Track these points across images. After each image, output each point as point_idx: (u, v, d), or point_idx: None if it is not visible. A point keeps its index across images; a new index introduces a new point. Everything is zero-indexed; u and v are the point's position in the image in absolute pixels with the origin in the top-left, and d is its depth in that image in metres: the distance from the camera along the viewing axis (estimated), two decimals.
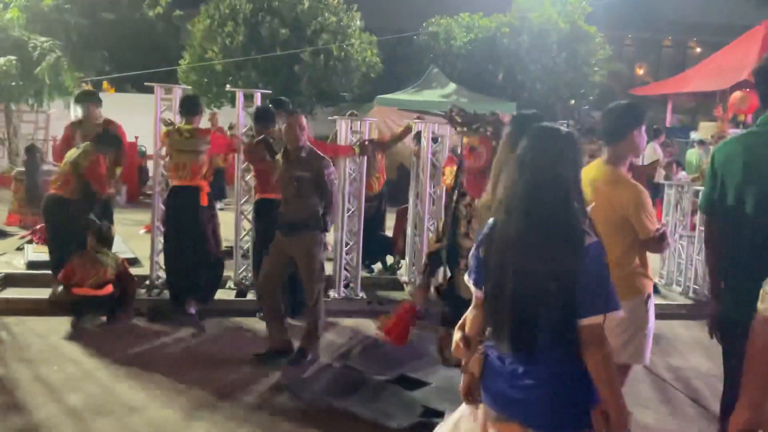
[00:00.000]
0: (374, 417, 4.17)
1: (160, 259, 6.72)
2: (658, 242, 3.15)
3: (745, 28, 21.55)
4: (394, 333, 4.35)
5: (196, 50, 15.53)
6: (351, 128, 6.45)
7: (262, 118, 5.97)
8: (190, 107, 5.92)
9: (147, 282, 6.65)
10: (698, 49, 32.26)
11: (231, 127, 10.65)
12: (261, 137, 5.89)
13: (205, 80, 15.18)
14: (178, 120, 6.29)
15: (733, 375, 2.76)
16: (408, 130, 7.27)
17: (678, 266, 7.78)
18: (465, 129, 4.05)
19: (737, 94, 14.98)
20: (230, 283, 6.74)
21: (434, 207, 6.66)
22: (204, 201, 5.93)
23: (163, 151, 6.29)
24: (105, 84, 18.62)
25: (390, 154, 9.53)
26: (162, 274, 6.65)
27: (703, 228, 3.08)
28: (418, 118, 7.16)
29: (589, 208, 3.55)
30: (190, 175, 5.84)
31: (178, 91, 6.46)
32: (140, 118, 8.67)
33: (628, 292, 3.17)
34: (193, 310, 5.96)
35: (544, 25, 16.06)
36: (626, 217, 3.17)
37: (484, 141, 3.92)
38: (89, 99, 7.09)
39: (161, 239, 6.60)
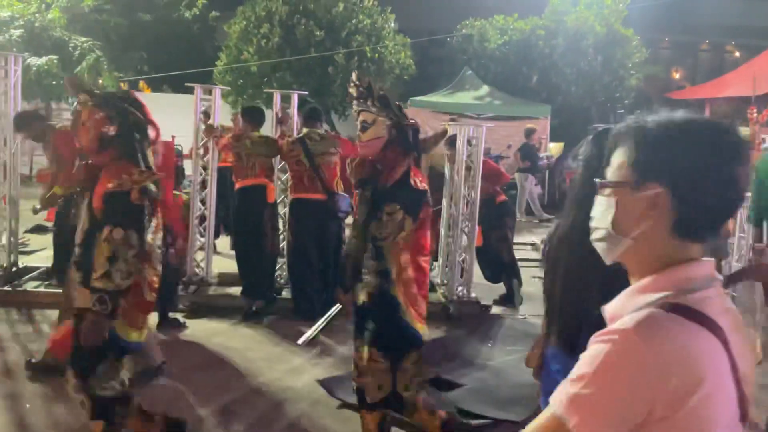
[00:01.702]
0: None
1: (197, 256, 6.84)
2: None
3: None
4: (59, 345, 4.04)
5: (232, 51, 15.72)
6: None
7: (311, 117, 6.12)
8: (258, 117, 6.22)
9: (184, 279, 6.75)
10: (736, 53, 31.71)
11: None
12: (299, 137, 5.99)
13: (240, 81, 15.37)
14: (217, 120, 6.45)
15: None
16: (444, 132, 7.28)
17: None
18: (359, 102, 3.57)
19: None
20: None
21: (468, 210, 6.66)
22: (271, 198, 6.18)
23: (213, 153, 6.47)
24: (141, 84, 18.93)
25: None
26: (199, 270, 6.77)
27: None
28: (452, 120, 7.17)
29: None
30: (256, 174, 6.05)
31: (217, 92, 6.57)
32: (177, 118, 8.82)
33: None
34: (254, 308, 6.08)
35: (579, 28, 15.94)
36: None
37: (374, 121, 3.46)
38: None
39: (199, 237, 6.73)
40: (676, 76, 31.12)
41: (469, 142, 6.50)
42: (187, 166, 10.21)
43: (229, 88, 7.83)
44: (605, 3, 16.53)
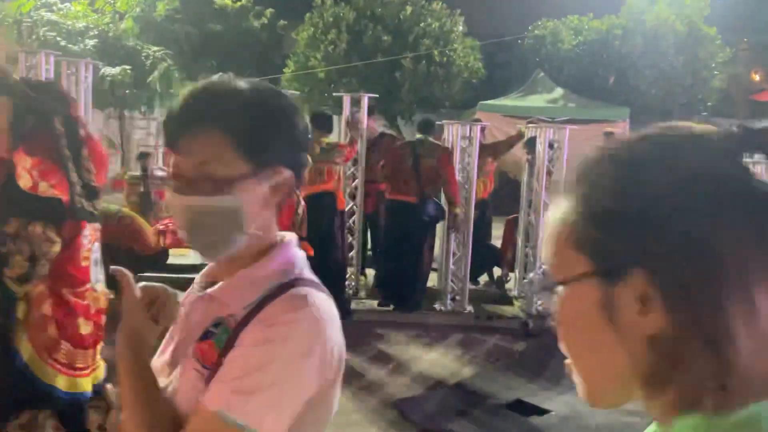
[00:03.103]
0: None
1: None
2: None
3: None
4: None
5: (299, 58, 15.69)
6: (461, 133, 6.15)
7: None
8: (326, 123, 6.05)
9: None
10: None
11: None
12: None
13: (308, 88, 15.29)
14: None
15: None
16: (519, 135, 6.90)
17: None
18: None
19: None
20: None
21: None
22: (341, 205, 6.03)
23: None
24: None
25: None
26: None
27: None
28: (531, 122, 6.77)
29: None
30: (324, 181, 5.87)
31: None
32: None
33: None
34: None
35: (659, 27, 15.19)
36: None
37: None
38: None
39: None
40: (756, 77, 29.62)
41: (550, 146, 6.09)
42: None
43: (298, 93, 7.63)
44: (686, 1, 15.71)
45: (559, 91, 14.75)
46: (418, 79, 14.91)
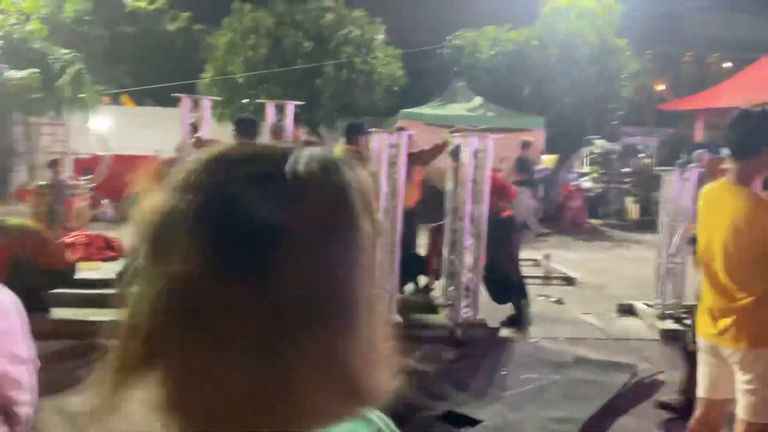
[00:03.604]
0: None
1: None
2: None
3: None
4: None
5: (218, 63, 15.33)
6: (388, 142, 6.09)
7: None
8: (251, 129, 5.86)
9: None
10: (722, 65, 31.82)
11: None
12: None
13: (227, 94, 14.96)
14: (206, 133, 6.04)
15: None
16: (444, 145, 6.92)
17: None
18: None
19: (750, 106, 14.49)
20: None
21: (474, 227, 6.27)
22: None
23: None
24: (123, 98, 18.49)
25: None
26: None
27: None
28: (456, 131, 6.79)
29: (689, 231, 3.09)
30: None
31: (206, 103, 6.16)
32: (161, 131, 8.40)
33: None
34: None
35: (573, 38, 15.69)
36: None
37: None
38: None
39: None
40: (660, 87, 31.13)
41: (475, 154, 6.12)
42: None
43: (219, 98, 7.41)
44: (597, 13, 16.30)
45: (478, 100, 15.02)
46: (339, 87, 14.86)
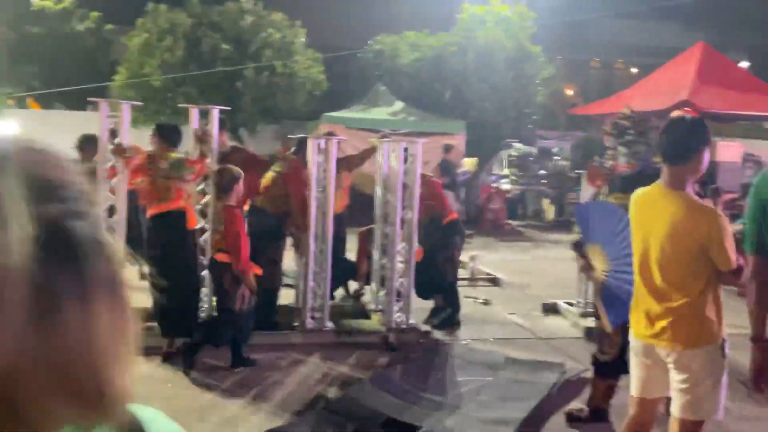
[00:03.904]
0: None
1: None
2: (736, 274, 2.83)
3: (671, 50, 22.23)
4: None
5: (132, 65, 14.78)
6: (318, 147, 6.04)
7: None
8: (174, 135, 5.71)
9: None
10: (628, 70, 33.36)
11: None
12: None
13: (142, 97, 14.45)
14: (126, 139, 5.81)
15: None
16: (372, 149, 6.92)
17: None
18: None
19: (676, 113, 15.25)
20: None
21: (404, 230, 6.29)
22: (192, 224, 5.64)
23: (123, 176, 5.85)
24: (29, 101, 17.58)
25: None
26: None
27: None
28: (384, 136, 6.81)
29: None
30: (172, 199, 5.46)
31: (126, 108, 5.91)
32: (70, 136, 7.95)
33: (705, 338, 2.87)
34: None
35: (490, 44, 16.04)
36: (706, 248, 2.83)
37: None
38: None
39: None
40: (569, 92, 32.33)
41: (404, 159, 6.14)
42: None
43: (141, 103, 7.12)
44: (513, 20, 16.72)
45: (399, 105, 15.13)
46: (260, 90, 14.63)
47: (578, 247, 4.24)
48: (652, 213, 2.96)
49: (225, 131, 6.56)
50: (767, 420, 4.69)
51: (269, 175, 6.20)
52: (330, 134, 6.71)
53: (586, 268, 4.13)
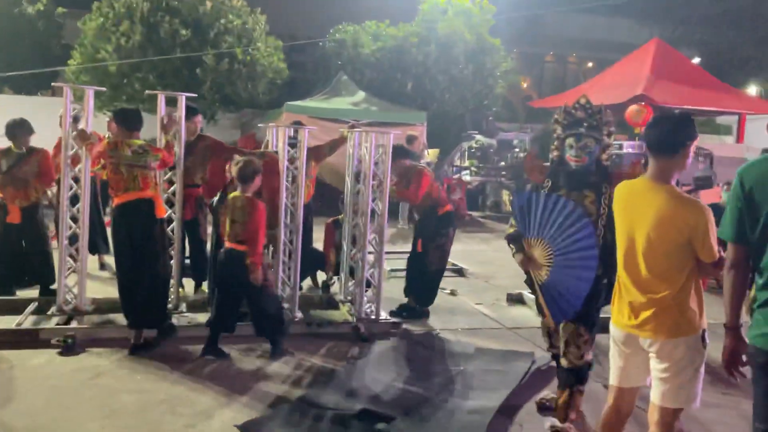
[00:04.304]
0: None
1: (69, 280, 5.97)
2: (717, 266, 2.89)
3: (624, 45, 22.66)
4: None
5: (87, 50, 14.37)
6: (287, 137, 5.97)
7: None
8: (135, 121, 5.44)
9: (54, 307, 5.87)
10: (582, 65, 33.89)
11: None
12: None
13: (97, 82, 14.07)
14: (90, 126, 5.65)
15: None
16: (342, 140, 6.88)
17: None
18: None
19: (633, 107, 15.53)
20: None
21: (374, 222, 6.28)
22: (161, 213, 5.46)
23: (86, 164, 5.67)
24: None
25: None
26: (70, 298, 5.91)
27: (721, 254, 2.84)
28: (352, 126, 6.76)
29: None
30: (140, 188, 5.29)
31: (90, 93, 5.73)
32: None
33: (686, 328, 2.93)
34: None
35: (450, 36, 16.09)
36: (691, 240, 2.89)
37: None
38: None
39: (70, 259, 5.90)
40: (524, 85, 32.71)
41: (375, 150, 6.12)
42: None
43: (104, 89, 6.89)
44: (473, 12, 16.81)
45: (361, 95, 15.07)
46: (220, 77, 14.40)
47: (515, 240, 4.01)
48: (637, 205, 3.01)
49: (194, 117, 6.44)
50: (728, 407, 4.84)
51: None
52: (298, 123, 6.64)
53: (527, 262, 3.89)
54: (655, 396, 3.00)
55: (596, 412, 4.23)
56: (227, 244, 5.22)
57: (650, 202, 2.95)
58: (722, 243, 2.91)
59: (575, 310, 3.72)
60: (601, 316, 4.08)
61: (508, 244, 4.11)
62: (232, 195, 5.28)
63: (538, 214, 3.71)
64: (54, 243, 8.84)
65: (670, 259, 2.91)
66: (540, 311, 4.17)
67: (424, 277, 6.76)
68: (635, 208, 3.02)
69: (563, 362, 4.08)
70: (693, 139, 2.98)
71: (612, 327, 3.19)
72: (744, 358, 2.74)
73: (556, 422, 4.11)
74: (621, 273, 3.10)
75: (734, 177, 2.77)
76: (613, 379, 3.23)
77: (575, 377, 4.07)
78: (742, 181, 2.69)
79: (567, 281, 3.66)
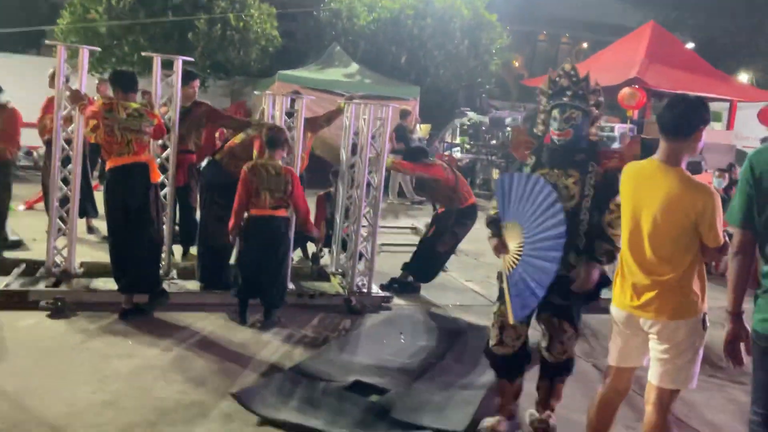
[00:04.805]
0: None
1: (58, 243, 5.90)
2: (720, 251, 2.91)
3: (617, 27, 22.59)
4: None
5: (76, 9, 14.08)
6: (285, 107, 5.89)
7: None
8: (130, 83, 5.34)
9: (42, 269, 5.81)
10: (574, 45, 33.79)
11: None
12: None
13: (87, 43, 13.80)
14: (84, 87, 5.54)
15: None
16: (338, 111, 6.80)
17: None
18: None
19: (626, 90, 15.50)
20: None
21: (369, 194, 6.25)
22: (155, 177, 5.42)
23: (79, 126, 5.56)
24: None
25: None
26: (59, 259, 5.85)
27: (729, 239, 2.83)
28: (350, 98, 6.70)
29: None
30: (134, 152, 5.20)
31: (85, 52, 5.62)
32: (9, 81, 7.52)
33: (688, 311, 2.94)
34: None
35: (447, 10, 15.94)
36: (697, 224, 2.88)
37: None
38: None
39: (59, 221, 5.83)
40: (516, 64, 32.61)
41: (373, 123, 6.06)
42: (29, 135, 8.95)
43: (99, 48, 6.74)
44: None
45: (354, 66, 14.92)
46: (212, 43, 14.19)
47: (494, 224, 3.73)
48: (646, 187, 3.00)
49: (192, 82, 6.35)
50: (714, 390, 4.92)
51: (240, 136, 6.02)
52: (296, 93, 6.56)
53: (499, 248, 3.61)
54: (654, 376, 3.03)
55: (587, 392, 4.28)
56: (260, 212, 5.30)
57: (659, 184, 2.95)
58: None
59: (539, 301, 3.43)
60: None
61: (487, 226, 3.84)
62: (259, 162, 5.27)
63: (514, 196, 3.48)
64: (37, 205, 8.79)
65: (676, 242, 2.92)
66: (502, 302, 3.74)
67: (432, 255, 6.79)
68: (643, 190, 3.01)
69: (546, 356, 3.86)
70: (706, 123, 2.97)
71: (613, 307, 3.20)
72: (743, 345, 2.76)
73: (535, 413, 4.00)
74: (625, 254, 3.10)
75: (723, 164, 2.78)
76: (612, 359, 3.25)
77: (557, 370, 3.88)
78: (752, 167, 2.68)
79: (532, 271, 3.39)
